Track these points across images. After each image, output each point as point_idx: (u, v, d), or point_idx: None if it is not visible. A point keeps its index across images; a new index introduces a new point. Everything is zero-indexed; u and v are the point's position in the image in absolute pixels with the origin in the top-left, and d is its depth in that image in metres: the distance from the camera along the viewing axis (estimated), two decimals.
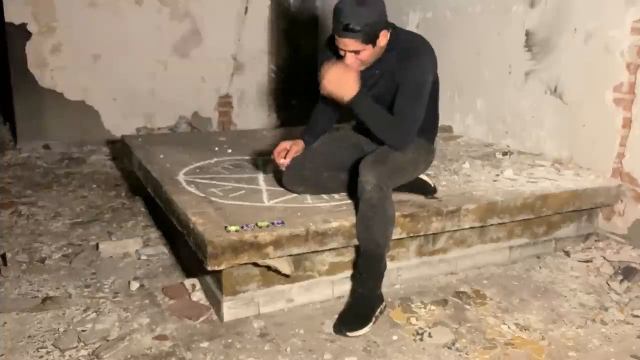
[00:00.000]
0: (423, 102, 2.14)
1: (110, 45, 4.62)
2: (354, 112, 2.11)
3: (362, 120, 2.15)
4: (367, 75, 2.17)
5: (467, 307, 2.20)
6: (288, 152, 2.29)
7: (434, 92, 2.26)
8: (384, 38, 2.07)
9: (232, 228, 1.93)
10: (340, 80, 2.02)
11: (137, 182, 3.20)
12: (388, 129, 2.12)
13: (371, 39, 2.01)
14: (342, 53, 2.08)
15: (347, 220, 2.08)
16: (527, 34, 3.27)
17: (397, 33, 2.15)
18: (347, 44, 2.02)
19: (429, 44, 2.16)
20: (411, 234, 2.24)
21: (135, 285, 2.30)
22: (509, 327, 2.05)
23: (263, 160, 2.90)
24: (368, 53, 2.05)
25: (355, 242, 2.08)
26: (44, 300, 2.16)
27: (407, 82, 2.10)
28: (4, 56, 4.47)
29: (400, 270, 2.36)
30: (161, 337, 1.93)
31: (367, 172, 1.97)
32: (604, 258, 2.59)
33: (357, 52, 2.04)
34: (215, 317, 2.07)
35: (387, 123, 2.12)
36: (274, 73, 5.31)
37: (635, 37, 2.66)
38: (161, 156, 2.97)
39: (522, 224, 2.58)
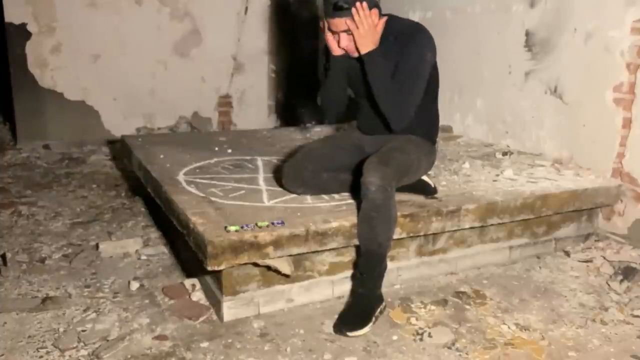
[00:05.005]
0: (422, 78, 2.15)
1: (110, 45, 4.63)
2: (366, 67, 2.10)
3: (369, 79, 2.12)
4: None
5: (467, 307, 2.20)
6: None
7: (434, 88, 2.27)
8: (375, 17, 2.08)
9: (232, 228, 1.93)
10: (368, 33, 2.03)
11: (137, 182, 3.20)
12: (390, 98, 2.12)
13: None
14: (335, 38, 2.10)
15: (347, 220, 2.08)
16: (527, 34, 3.27)
17: (395, 20, 2.18)
18: (338, 24, 2.05)
19: (425, 27, 2.19)
20: (411, 234, 2.24)
21: (135, 285, 2.30)
22: (509, 327, 2.05)
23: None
24: None
25: (355, 242, 2.08)
26: (44, 300, 2.16)
27: (405, 59, 2.12)
28: (4, 56, 4.47)
29: (400, 270, 2.36)
30: (161, 337, 1.93)
31: (371, 173, 1.96)
32: (604, 258, 2.59)
33: (349, 33, 2.06)
34: (215, 317, 2.07)
35: (391, 91, 2.11)
36: (274, 73, 5.31)
37: (635, 37, 2.66)
38: (161, 156, 2.97)
39: (522, 224, 2.58)
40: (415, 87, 2.14)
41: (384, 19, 2.15)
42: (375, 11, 2.08)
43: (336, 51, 2.16)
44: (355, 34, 2.05)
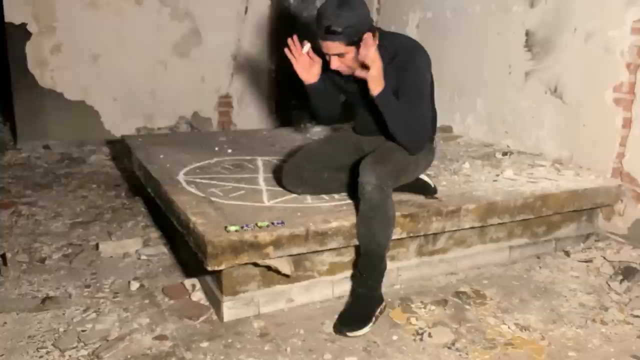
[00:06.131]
0: (427, 100, 2.15)
1: (110, 45, 4.62)
2: (379, 107, 2.06)
3: (384, 115, 2.09)
4: (362, 81, 2.16)
5: (467, 307, 2.20)
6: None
7: (430, 91, 2.26)
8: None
9: (232, 228, 1.93)
10: (379, 72, 1.99)
11: (137, 182, 3.20)
12: (405, 128, 2.09)
13: (354, 41, 2.00)
14: (327, 58, 2.08)
15: (347, 220, 2.08)
16: (527, 34, 3.27)
17: (388, 38, 2.14)
18: (330, 47, 2.03)
19: (420, 44, 2.17)
20: (411, 234, 2.24)
21: (135, 285, 2.30)
22: (509, 327, 2.05)
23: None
24: (352, 56, 2.05)
25: (355, 242, 2.08)
26: (44, 300, 2.16)
27: (407, 84, 2.09)
28: (4, 56, 4.47)
29: (400, 270, 2.36)
30: (161, 337, 1.93)
31: (367, 173, 1.97)
32: (604, 258, 2.59)
33: (341, 56, 2.05)
34: (215, 317, 2.08)
35: (406, 122, 2.08)
36: (274, 73, 5.31)
37: (635, 37, 2.66)
38: (161, 156, 2.97)
39: (522, 224, 2.58)
40: (423, 110, 2.12)
41: (376, 42, 2.05)
42: (369, 35, 2.01)
43: (308, 79, 2.18)
44: (368, 76, 1.99)
